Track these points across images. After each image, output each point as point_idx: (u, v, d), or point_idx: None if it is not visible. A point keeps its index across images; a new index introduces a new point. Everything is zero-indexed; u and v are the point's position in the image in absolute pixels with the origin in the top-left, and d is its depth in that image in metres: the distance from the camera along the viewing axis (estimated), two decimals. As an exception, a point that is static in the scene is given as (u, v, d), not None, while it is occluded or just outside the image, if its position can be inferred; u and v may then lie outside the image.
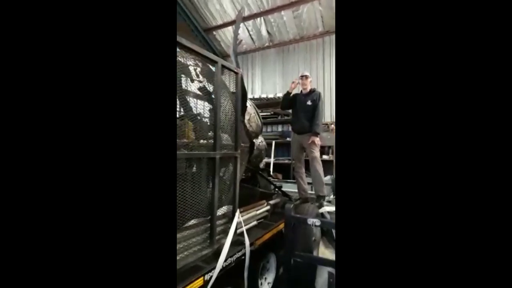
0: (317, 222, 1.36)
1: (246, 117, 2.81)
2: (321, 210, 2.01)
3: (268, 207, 2.37)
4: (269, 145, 5.03)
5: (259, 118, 3.00)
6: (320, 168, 2.51)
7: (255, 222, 2.05)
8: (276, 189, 2.98)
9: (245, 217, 1.95)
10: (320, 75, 5.38)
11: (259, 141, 3.11)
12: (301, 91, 2.82)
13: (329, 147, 4.85)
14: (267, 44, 6.01)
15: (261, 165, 3.42)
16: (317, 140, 2.57)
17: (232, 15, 5.54)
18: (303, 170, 2.81)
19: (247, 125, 2.85)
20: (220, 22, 5.78)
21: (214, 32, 6.08)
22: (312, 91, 2.75)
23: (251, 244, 1.68)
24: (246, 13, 5.38)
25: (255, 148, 2.98)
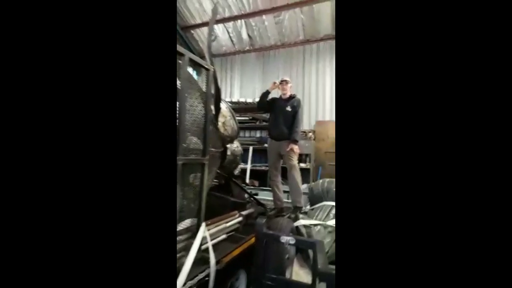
0: (291, 240, 1.21)
1: (221, 120, 2.62)
2: (297, 223, 1.86)
3: (240, 218, 2.19)
4: (246, 150, 4.88)
5: (235, 121, 2.83)
6: (298, 177, 2.39)
7: (224, 236, 1.85)
8: (251, 198, 2.81)
9: (213, 230, 1.76)
10: (300, 82, 5.38)
11: (235, 146, 2.93)
12: (281, 96, 2.70)
13: (307, 155, 4.80)
14: (247, 48, 5.91)
15: (236, 172, 3.24)
16: (296, 147, 2.45)
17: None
18: (279, 178, 2.68)
19: (222, 129, 2.67)
20: (199, 21, 5.58)
21: (192, 31, 5.86)
22: (292, 96, 2.65)
23: (217, 262, 1.48)
24: (227, 14, 5.24)
25: (229, 153, 2.80)
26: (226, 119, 2.74)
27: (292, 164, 2.40)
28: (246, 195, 2.89)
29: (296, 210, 2.25)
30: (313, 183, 2.94)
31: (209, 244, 1.48)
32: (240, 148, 3.05)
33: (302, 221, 1.85)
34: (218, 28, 5.65)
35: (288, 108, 2.55)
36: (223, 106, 2.74)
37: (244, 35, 5.65)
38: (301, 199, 2.34)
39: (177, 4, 5.30)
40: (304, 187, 2.96)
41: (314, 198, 2.45)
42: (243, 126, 5.50)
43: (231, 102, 5.33)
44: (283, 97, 2.65)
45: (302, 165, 4.65)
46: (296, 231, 1.76)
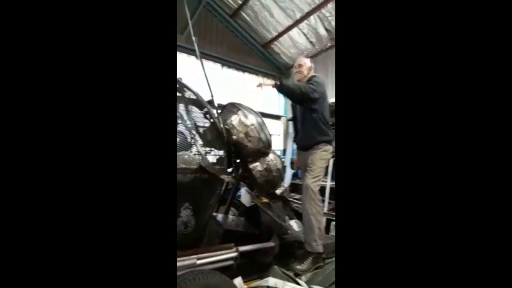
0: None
1: (242, 130, 2.30)
2: (261, 282, 1.10)
3: (235, 254, 1.70)
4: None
5: (264, 132, 2.38)
6: (312, 205, 1.52)
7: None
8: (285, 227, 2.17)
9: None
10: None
11: (268, 160, 2.46)
12: None
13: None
14: (328, 44, 5.11)
15: (280, 191, 2.69)
16: (319, 156, 1.62)
17: (284, 23, 5.12)
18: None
19: (245, 141, 2.33)
20: (274, 34, 5.47)
21: (272, 46, 5.82)
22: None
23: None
24: (298, 15, 4.81)
25: (262, 169, 2.39)
26: (249, 129, 2.37)
27: (306, 184, 1.59)
28: (282, 222, 2.28)
29: (306, 258, 1.41)
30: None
31: None
32: (275, 162, 2.51)
33: (271, 280, 1.08)
34: (293, 34, 5.29)
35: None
36: (243, 114, 2.41)
37: (322, 31, 4.94)
38: (314, 241, 1.46)
39: (252, 23, 5.48)
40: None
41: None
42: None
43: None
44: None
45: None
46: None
